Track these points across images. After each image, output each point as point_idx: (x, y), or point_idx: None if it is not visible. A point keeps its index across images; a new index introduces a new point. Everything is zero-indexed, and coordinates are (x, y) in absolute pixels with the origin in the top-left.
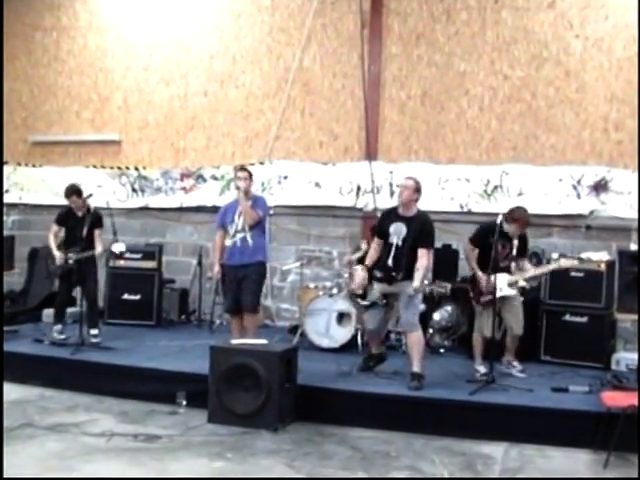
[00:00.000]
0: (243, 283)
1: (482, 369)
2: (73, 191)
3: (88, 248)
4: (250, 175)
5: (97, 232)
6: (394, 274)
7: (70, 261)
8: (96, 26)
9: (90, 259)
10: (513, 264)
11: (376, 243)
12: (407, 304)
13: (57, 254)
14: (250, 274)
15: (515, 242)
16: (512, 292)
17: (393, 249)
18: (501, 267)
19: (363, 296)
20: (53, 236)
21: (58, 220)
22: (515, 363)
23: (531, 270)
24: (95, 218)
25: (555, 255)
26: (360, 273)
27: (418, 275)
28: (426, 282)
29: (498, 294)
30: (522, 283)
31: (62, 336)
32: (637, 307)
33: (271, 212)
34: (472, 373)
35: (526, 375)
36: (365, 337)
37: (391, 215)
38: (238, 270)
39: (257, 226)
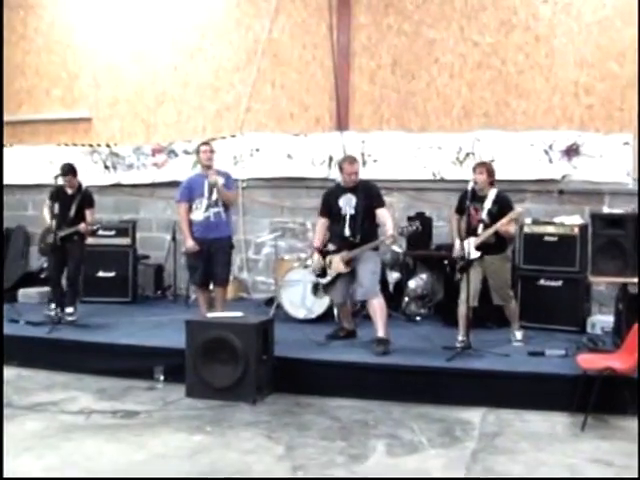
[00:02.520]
0: (215, 257)
1: (461, 337)
2: (70, 170)
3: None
4: (212, 149)
5: (88, 212)
6: (352, 239)
7: (57, 238)
8: (63, 3)
9: (77, 237)
10: (481, 226)
11: (321, 223)
12: (366, 270)
13: (51, 222)
14: (222, 247)
15: (487, 204)
16: (477, 254)
17: (348, 219)
18: (472, 231)
19: (323, 274)
20: (48, 210)
21: (50, 196)
22: (516, 332)
23: (489, 229)
24: (85, 197)
25: (528, 220)
26: (315, 258)
27: (389, 225)
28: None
29: (467, 258)
30: (479, 240)
31: (50, 313)
32: (613, 270)
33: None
34: (449, 340)
35: (522, 344)
36: (335, 310)
37: (336, 191)
38: (211, 244)
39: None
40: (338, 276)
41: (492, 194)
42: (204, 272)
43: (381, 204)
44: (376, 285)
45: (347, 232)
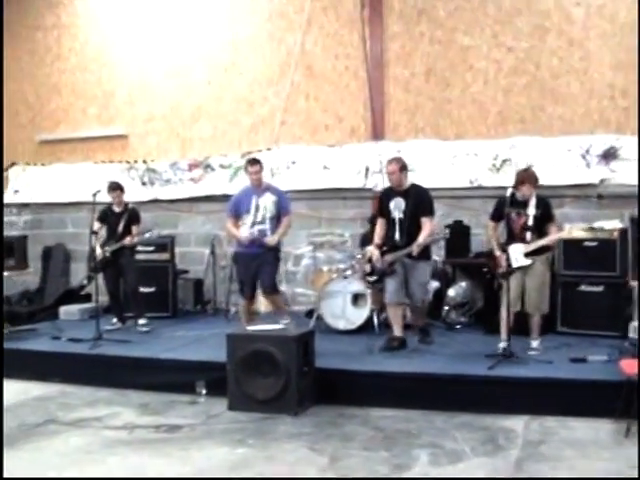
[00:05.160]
0: (260, 268)
1: (502, 345)
2: (117, 187)
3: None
4: (262, 167)
5: (134, 228)
6: (400, 244)
7: (107, 254)
8: (97, 22)
9: (127, 251)
10: (529, 233)
11: (379, 223)
12: (415, 281)
13: (98, 251)
14: (266, 259)
15: (531, 210)
16: (528, 262)
17: (397, 223)
18: (518, 237)
19: (372, 273)
20: (91, 230)
21: (99, 218)
22: (532, 341)
23: (543, 239)
24: (132, 214)
25: (568, 225)
26: (373, 251)
27: (421, 236)
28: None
29: (515, 264)
30: (531, 248)
31: (113, 327)
32: None
33: None
34: (490, 348)
35: (537, 353)
36: (387, 311)
37: (389, 193)
38: (254, 258)
39: (275, 217)
40: (383, 274)
41: (533, 199)
42: (249, 284)
43: (427, 212)
44: (427, 292)
45: (397, 236)
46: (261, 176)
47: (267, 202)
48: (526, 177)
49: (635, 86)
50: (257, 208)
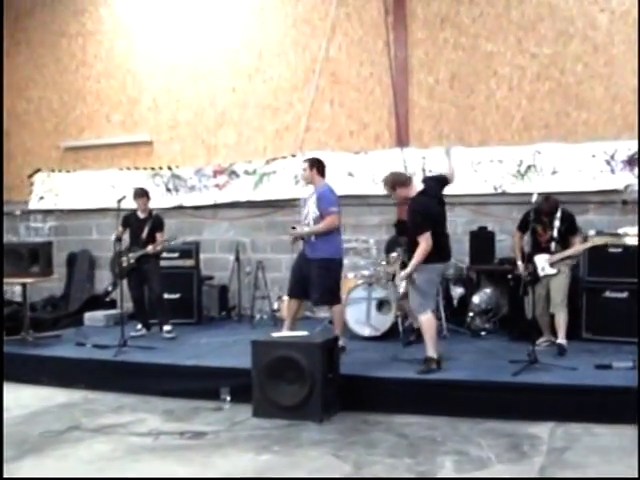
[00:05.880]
0: (309, 277)
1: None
2: (144, 193)
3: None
4: (312, 164)
5: (159, 235)
6: (406, 258)
7: (130, 261)
8: (121, 29)
9: (152, 258)
10: (553, 244)
11: None
12: (413, 288)
13: (125, 237)
14: (314, 269)
15: (556, 223)
16: (553, 271)
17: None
18: (542, 248)
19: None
20: (115, 236)
21: (122, 223)
22: (560, 341)
23: (568, 250)
24: (157, 221)
25: (592, 232)
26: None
27: (410, 264)
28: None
29: (541, 273)
30: (556, 258)
31: (137, 333)
32: None
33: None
34: (515, 355)
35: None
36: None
37: None
38: (305, 262)
39: (319, 217)
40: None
41: (558, 213)
42: (293, 283)
43: (418, 231)
44: (420, 302)
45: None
46: (310, 175)
47: (311, 202)
48: (544, 207)
49: None
50: (306, 209)
